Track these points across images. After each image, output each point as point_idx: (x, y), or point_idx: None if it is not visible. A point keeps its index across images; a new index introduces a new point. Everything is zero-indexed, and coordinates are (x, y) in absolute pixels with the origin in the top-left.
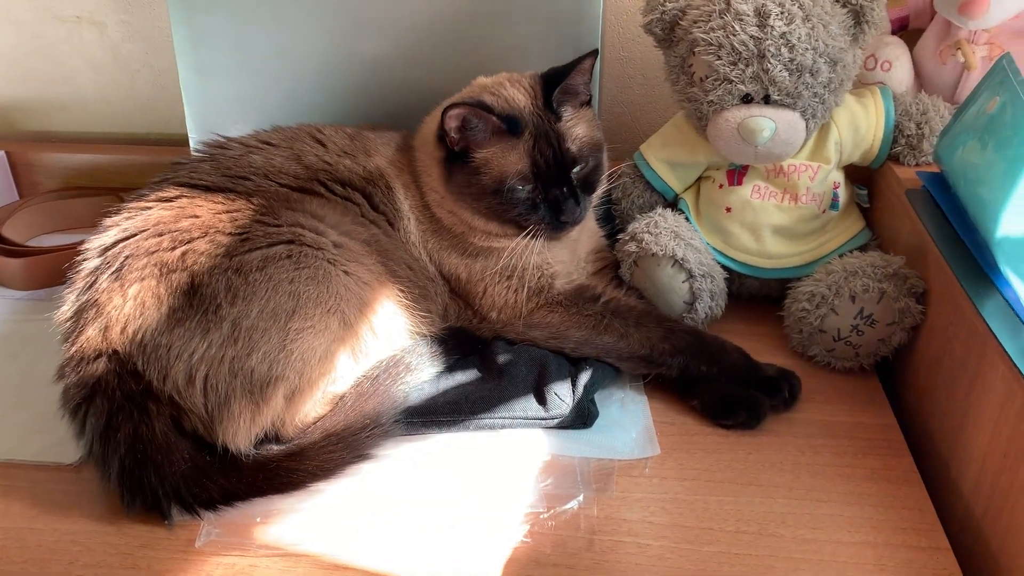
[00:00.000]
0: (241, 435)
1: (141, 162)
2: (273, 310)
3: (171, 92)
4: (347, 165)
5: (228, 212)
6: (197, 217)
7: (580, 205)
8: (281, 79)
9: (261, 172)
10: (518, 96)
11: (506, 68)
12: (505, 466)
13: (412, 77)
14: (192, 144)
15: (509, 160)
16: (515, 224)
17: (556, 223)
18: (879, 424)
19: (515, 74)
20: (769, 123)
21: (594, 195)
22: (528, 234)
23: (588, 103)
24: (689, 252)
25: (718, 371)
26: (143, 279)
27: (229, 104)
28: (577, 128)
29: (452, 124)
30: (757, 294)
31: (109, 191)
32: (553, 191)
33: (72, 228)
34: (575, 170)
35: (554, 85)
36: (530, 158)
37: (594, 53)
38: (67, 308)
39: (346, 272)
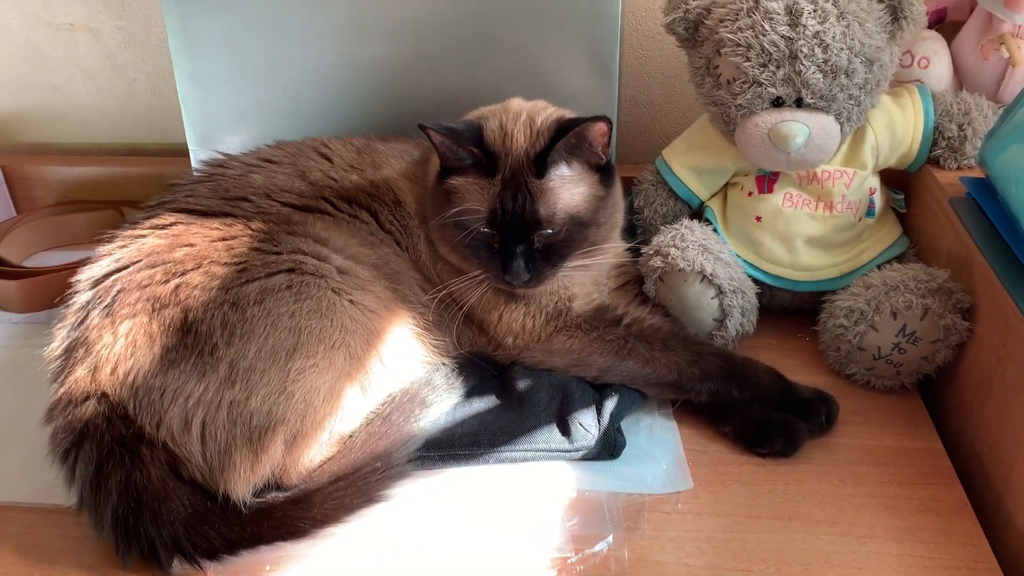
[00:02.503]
0: (241, 484)
1: (141, 174)
2: (272, 348)
3: (170, 100)
4: (354, 181)
5: (225, 240)
6: (192, 246)
7: (532, 271)
8: (284, 87)
9: (262, 192)
10: (519, 137)
11: (520, 69)
12: (528, 504)
13: (423, 82)
14: (192, 156)
15: (474, 196)
16: (468, 260)
17: (501, 279)
18: (924, 449)
19: (542, 112)
20: (802, 128)
21: (562, 265)
22: (477, 276)
23: (602, 168)
24: (718, 267)
25: (751, 395)
26: (135, 315)
27: (229, 114)
28: (560, 192)
29: (435, 139)
30: (790, 307)
31: (109, 205)
32: (507, 245)
33: (71, 244)
34: (541, 233)
35: (558, 139)
36: (492, 203)
37: (604, 119)
38: (57, 345)
39: (352, 301)
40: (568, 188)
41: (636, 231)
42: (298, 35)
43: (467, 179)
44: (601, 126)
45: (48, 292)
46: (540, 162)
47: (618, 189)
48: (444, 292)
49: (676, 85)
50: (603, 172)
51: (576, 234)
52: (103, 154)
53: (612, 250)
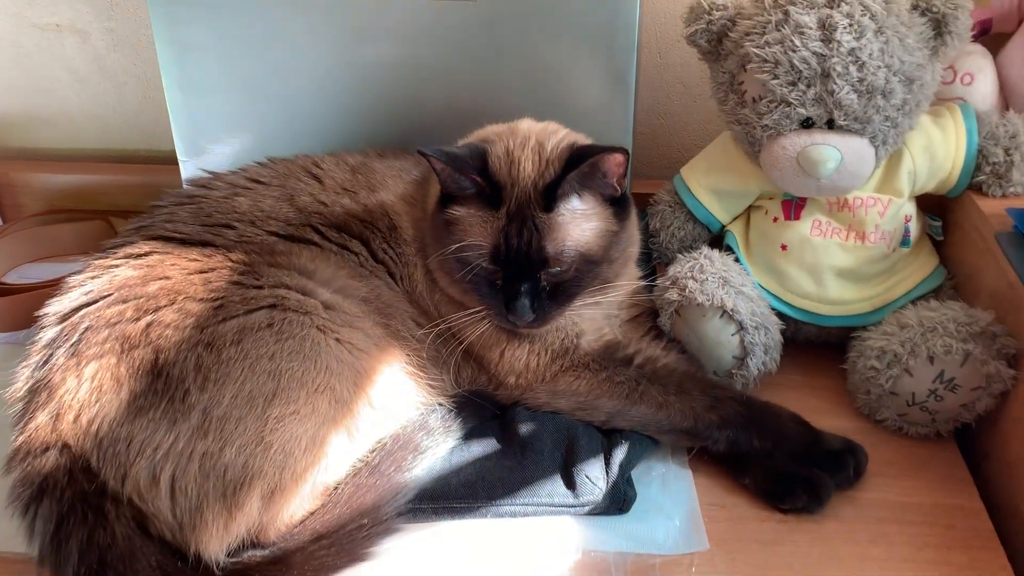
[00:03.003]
0: (214, 544)
1: (130, 183)
2: (249, 394)
3: (161, 105)
4: (345, 205)
5: (203, 272)
6: (167, 279)
7: (537, 311)
8: (278, 96)
9: (247, 218)
10: (527, 166)
11: (530, 77)
12: (528, 564)
13: (425, 92)
14: (181, 168)
15: (476, 229)
16: (468, 296)
17: (504, 319)
18: (962, 507)
19: (553, 135)
20: (834, 153)
21: (570, 304)
22: (479, 312)
23: (616, 200)
24: (740, 301)
25: (772, 445)
26: (102, 356)
27: (220, 123)
28: (572, 227)
29: (436, 166)
30: (816, 340)
31: (97, 215)
32: (510, 284)
33: (57, 256)
34: (548, 271)
35: (570, 169)
36: (495, 237)
37: (622, 150)
38: (20, 385)
39: (338, 340)
40: (579, 223)
41: (652, 256)
42: (293, 41)
43: (469, 209)
44: (617, 157)
45: (29, 310)
46: (549, 194)
47: (633, 222)
48: (442, 326)
49: (697, 95)
50: (618, 205)
51: (586, 272)
52: (91, 160)
53: (625, 287)
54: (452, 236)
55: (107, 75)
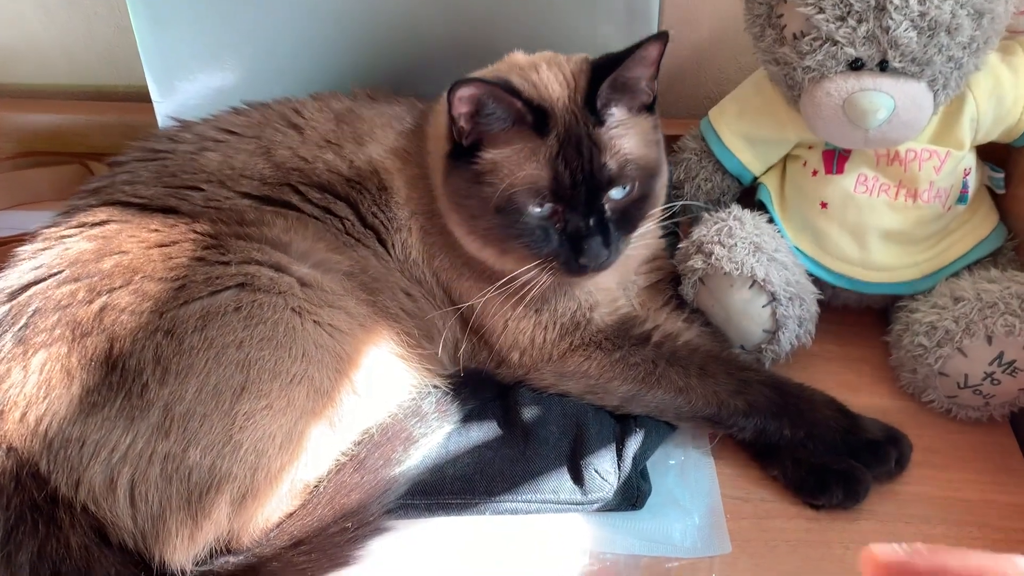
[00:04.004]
0: (179, 555)
1: (106, 123)
2: (215, 388)
3: (135, 39)
4: (328, 161)
5: (163, 246)
6: (124, 254)
7: (610, 246)
8: (257, 29)
9: (216, 178)
10: (553, 85)
11: (541, 8)
12: (529, 569)
13: (424, 24)
14: (157, 111)
15: (524, 168)
16: (519, 254)
17: (573, 264)
18: (1018, 506)
19: (559, 56)
20: (886, 100)
21: (634, 233)
22: (535, 268)
23: (650, 108)
24: (773, 270)
25: (805, 434)
26: (51, 344)
27: (194, 59)
28: (625, 139)
29: (462, 109)
30: (855, 307)
31: (73, 157)
32: (575, 221)
33: (31, 204)
34: (611, 194)
35: (603, 77)
36: (551, 169)
37: (661, 36)
38: None
39: (317, 322)
40: (630, 134)
41: (675, 212)
42: None
43: (508, 148)
44: (654, 51)
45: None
46: (592, 108)
47: (661, 132)
48: (439, 291)
49: (729, 25)
50: (650, 110)
51: (648, 190)
52: (64, 98)
53: (656, 217)
54: (489, 187)
55: (75, 6)
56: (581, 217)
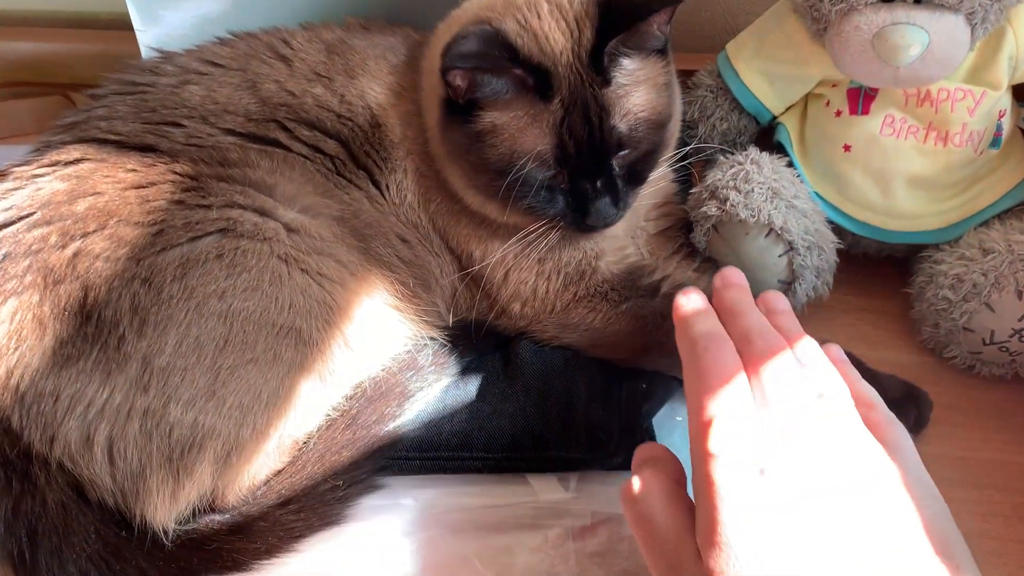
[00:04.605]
0: (161, 514)
1: (90, 52)
2: (197, 341)
3: None
4: (318, 96)
5: (139, 188)
6: (99, 195)
7: (618, 204)
8: None
9: (198, 113)
10: (555, 35)
11: None
12: (528, 529)
13: None
14: (138, 37)
15: (527, 134)
16: (522, 213)
17: (581, 224)
18: None
19: None
20: (919, 35)
21: (645, 183)
22: (542, 226)
23: (662, 50)
24: (791, 217)
25: None
26: (21, 292)
27: None
28: (633, 96)
29: (457, 83)
30: (875, 255)
31: (55, 88)
32: (582, 183)
33: (13, 137)
34: (620, 154)
35: (610, 30)
36: (555, 136)
37: (670, 4)
38: None
39: (304, 271)
40: (640, 87)
41: (687, 155)
42: None
43: (509, 112)
44: (663, 16)
45: None
46: (598, 63)
47: (673, 68)
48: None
49: None
50: (664, 54)
51: (658, 142)
52: (46, 25)
53: (668, 161)
54: (491, 148)
55: None
56: (588, 180)
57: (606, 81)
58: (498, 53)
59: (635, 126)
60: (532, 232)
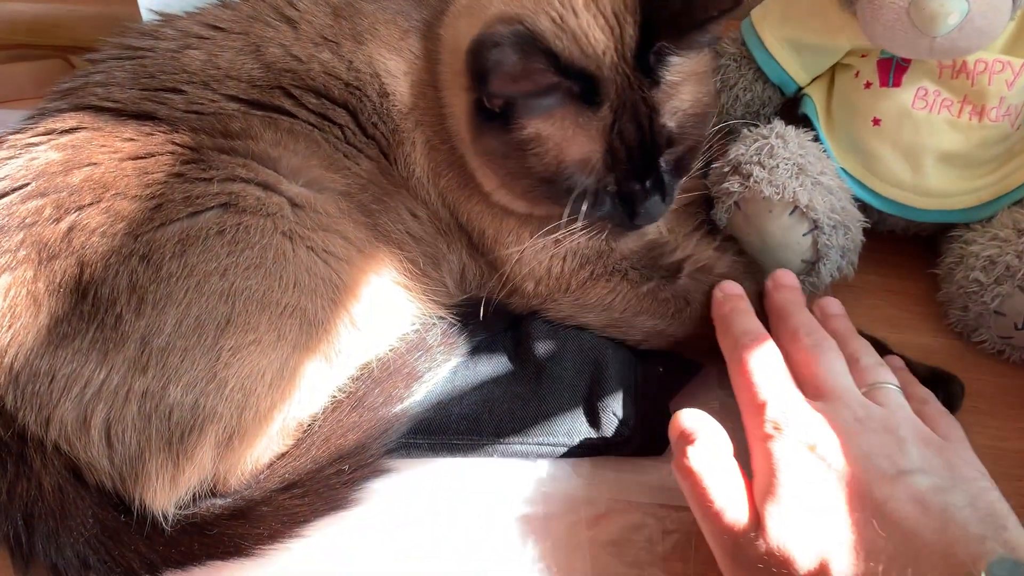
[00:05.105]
0: (160, 499)
1: (91, 14)
2: (197, 321)
3: None
4: (324, 61)
5: (137, 159)
6: (95, 166)
7: (667, 200)
8: None
9: (199, 79)
10: (595, 33)
11: None
12: (541, 516)
13: None
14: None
15: (574, 143)
16: (561, 211)
17: (627, 224)
18: None
19: None
20: (958, 2)
21: (688, 172)
22: (582, 228)
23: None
24: (817, 195)
25: None
26: (15, 267)
27: None
28: (682, 92)
29: (494, 99)
30: (903, 234)
31: (55, 51)
32: (631, 184)
33: (12, 101)
34: (668, 151)
35: (657, 22)
36: (605, 143)
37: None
38: None
39: (310, 248)
40: (688, 83)
41: None
42: None
43: (550, 122)
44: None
45: None
46: (644, 61)
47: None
48: (442, 210)
49: None
50: (710, 45)
51: (704, 132)
52: None
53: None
54: (534, 156)
55: None
56: (637, 181)
57: (655, 82)
58: (541, 67)
59: (684, 122)
60: (563, 226)
